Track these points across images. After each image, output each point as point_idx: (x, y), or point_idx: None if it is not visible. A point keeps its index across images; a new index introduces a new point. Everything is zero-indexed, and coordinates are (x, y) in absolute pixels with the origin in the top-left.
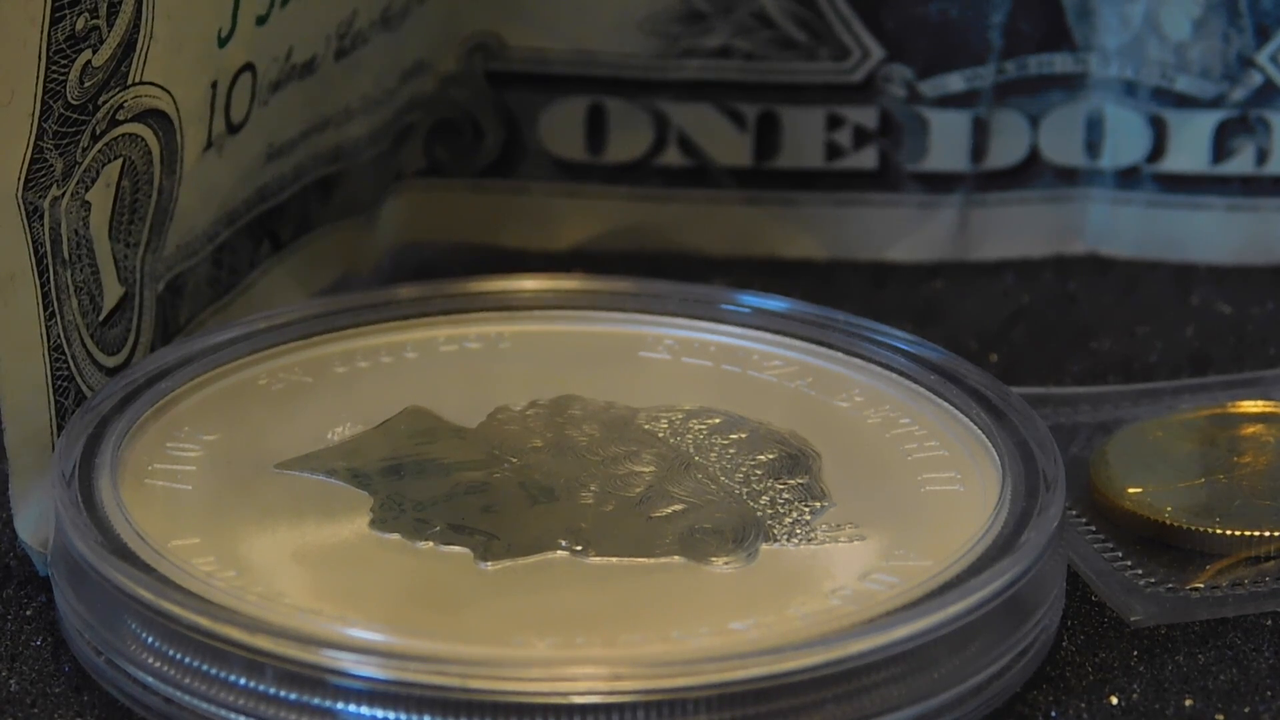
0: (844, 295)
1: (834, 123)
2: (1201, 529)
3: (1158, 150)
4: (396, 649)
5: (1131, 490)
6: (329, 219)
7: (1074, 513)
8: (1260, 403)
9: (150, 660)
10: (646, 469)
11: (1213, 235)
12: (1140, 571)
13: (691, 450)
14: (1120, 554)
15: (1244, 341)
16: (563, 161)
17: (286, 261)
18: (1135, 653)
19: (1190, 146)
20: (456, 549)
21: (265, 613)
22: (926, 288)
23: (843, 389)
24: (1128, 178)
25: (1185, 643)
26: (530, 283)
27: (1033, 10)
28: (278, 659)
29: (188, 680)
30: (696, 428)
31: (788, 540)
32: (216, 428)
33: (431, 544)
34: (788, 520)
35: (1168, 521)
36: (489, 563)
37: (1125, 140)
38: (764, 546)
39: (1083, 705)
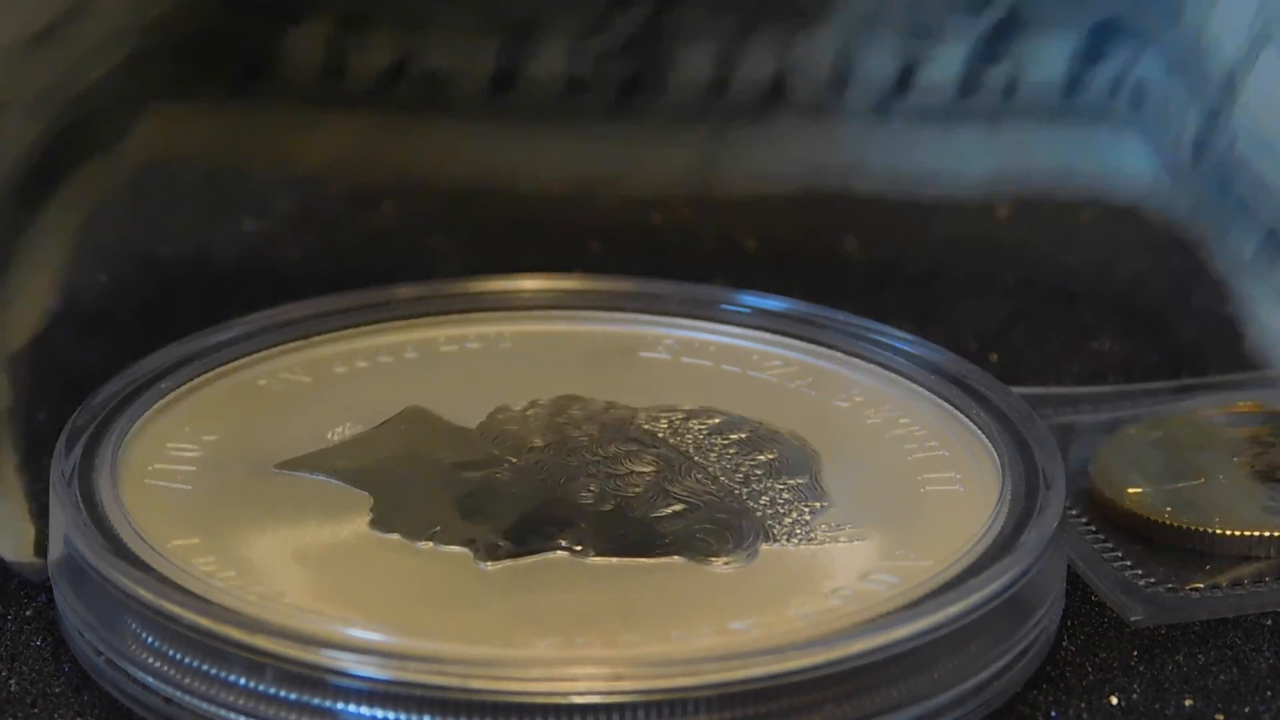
0: (843, 295)
1: (575, 57)
2: (1201, 529)
3: (906, 81)
4: (396, 649)
5: (1131, 490)
6: (76, 160)
7: (1074, 513)
8: (1260, 403)
9: (150, 660)
10: (646, 469)
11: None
12: (1140, 571)
13: (691, 450)
14: (1120, 554)
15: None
16: (304, 87)
17: (45, 215)
18: (1135, 653)
19: (940, 77)
20: (456, 549)
21: (265, 613)
22: (927, 288)
23: (843, 389)
24: (879, 109)
25: (1185, 643)
26: (530, 283)
27: None
28: (278, 659)
29: (188, 680)
30: (696, 428)
31: (788, 540)
32: (216, 428)
33: (431, 544)
34: (788, 520)
35: (1168, 521)
36: (489, 563)
37: (875, 72)
38: (764, 546)
39: (1083, 705)
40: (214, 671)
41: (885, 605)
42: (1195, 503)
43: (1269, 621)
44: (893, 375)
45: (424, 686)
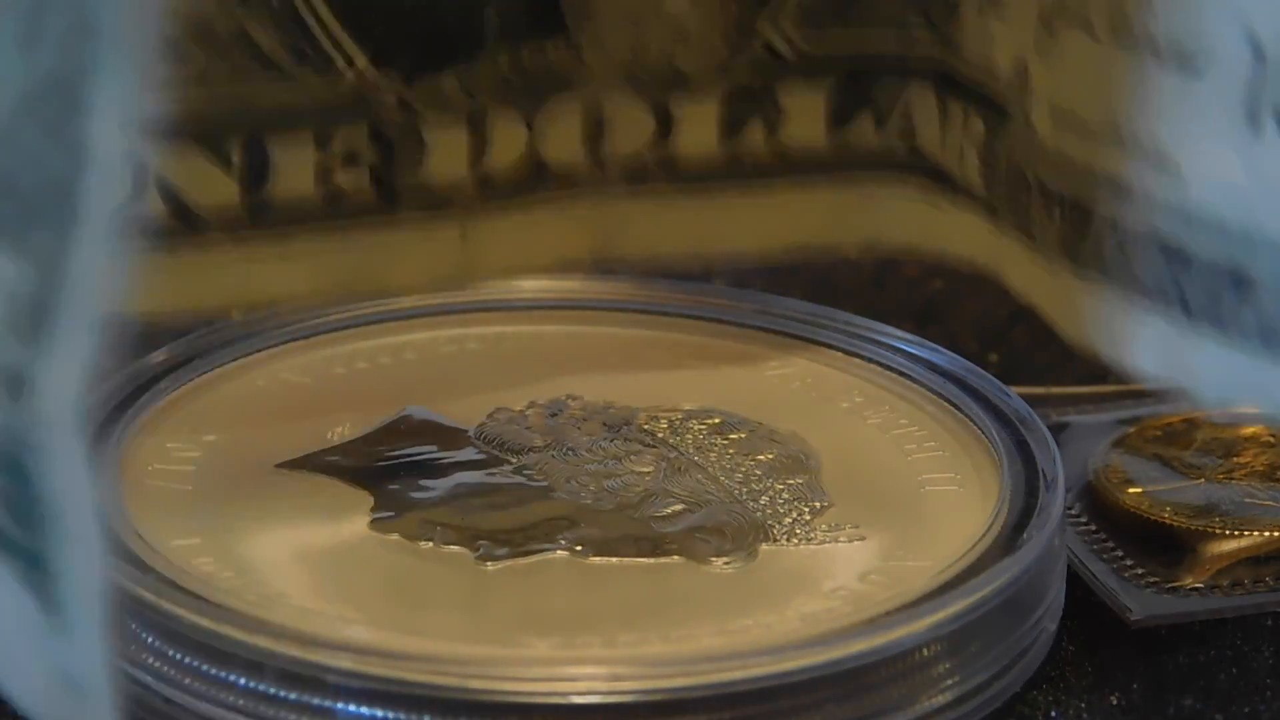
0: (843, 295)
1: (322, 143)
2: (1201, 529)
3: (664, 138)
4: (396, 649)
5: (1131, 490)
6: None
7: (1074, 513)
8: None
9: (150, 660)
10: (646, 469)
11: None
12: (1140, 571)
13: (691, 450)
14: (1120, 554)
15: None
16: None
17: None
18: (1135, 653)
19: (699, 130)
20: (456, 549)
21: (265, 613)
22: (927, 287)
23: (843, 389)
24: (635, 173)
25: (1185, 643)
26: (530, 283)
27: None
28: (278, 659)
29: (188, 680)
30: (696, 428)
31: (787, 540)
32: (216, 428)
33: (431, 544)
34: (787, 520)
35: (1168, 521)
36: (489, 563)
37: (628, 131)
38: (764, 546)
39: (1083, 705)
40: (214, 671)
41: (885, 605)
42: (1195, 503)
43: (1269, 621)
44: (893, 375)
45: (424, 686)
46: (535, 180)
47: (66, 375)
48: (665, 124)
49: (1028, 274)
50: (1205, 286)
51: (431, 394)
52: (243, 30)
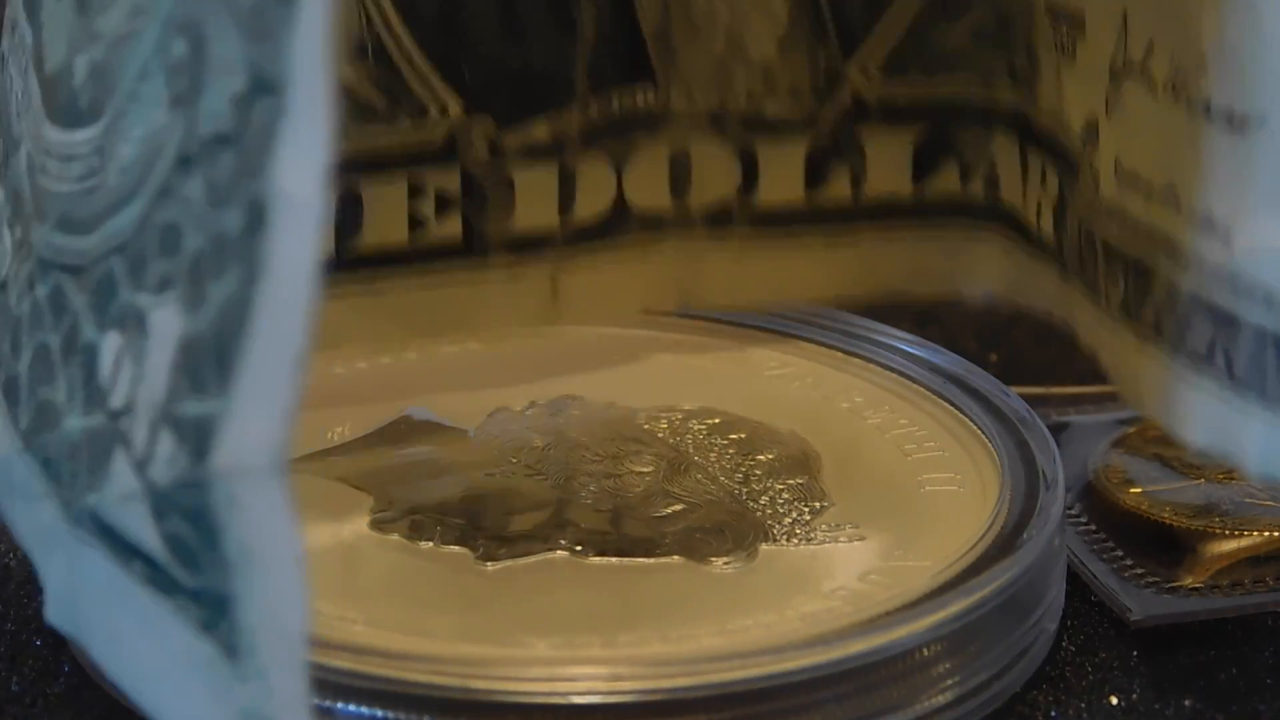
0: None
1: (415, 191)
2: (1201, 529)
3: (749, 184)
4: (396, 649)
5: (1132, 490)
6: None
7: (1074, 513)
8: None
9: None
10: (646, 469)
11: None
12: (1140, 571)
13: (691, 450)
14: (1120, 554)
15: None
16: None
17: None
18: (1135, 653)
19: (783, 176)
20: (456, 549)
21: None
22: None
23: (843, 389)
24: (718, 217)
25: (1185, 643)
26: None
27: (614, 44)
28: None
29: None
30: (696, 428)
31: (787, 540)
32: None
33: (431, 544)
34: (787, 520)
35: (1168, 521)
36: (489, 563)
37: (713, 176)
38: (764, 546)
39: (1083, 705)
40: None
41: (885, 605)
42: (1195, 503)
43: (1269, 621)
44: (893, 375)
45: (424, 686)
46: (621, 225)
47: (258, 424)
48: (750, 169)
49: (1094, 333)
50: (1252, 355)
51: (431, 394)
52: (337, 74)
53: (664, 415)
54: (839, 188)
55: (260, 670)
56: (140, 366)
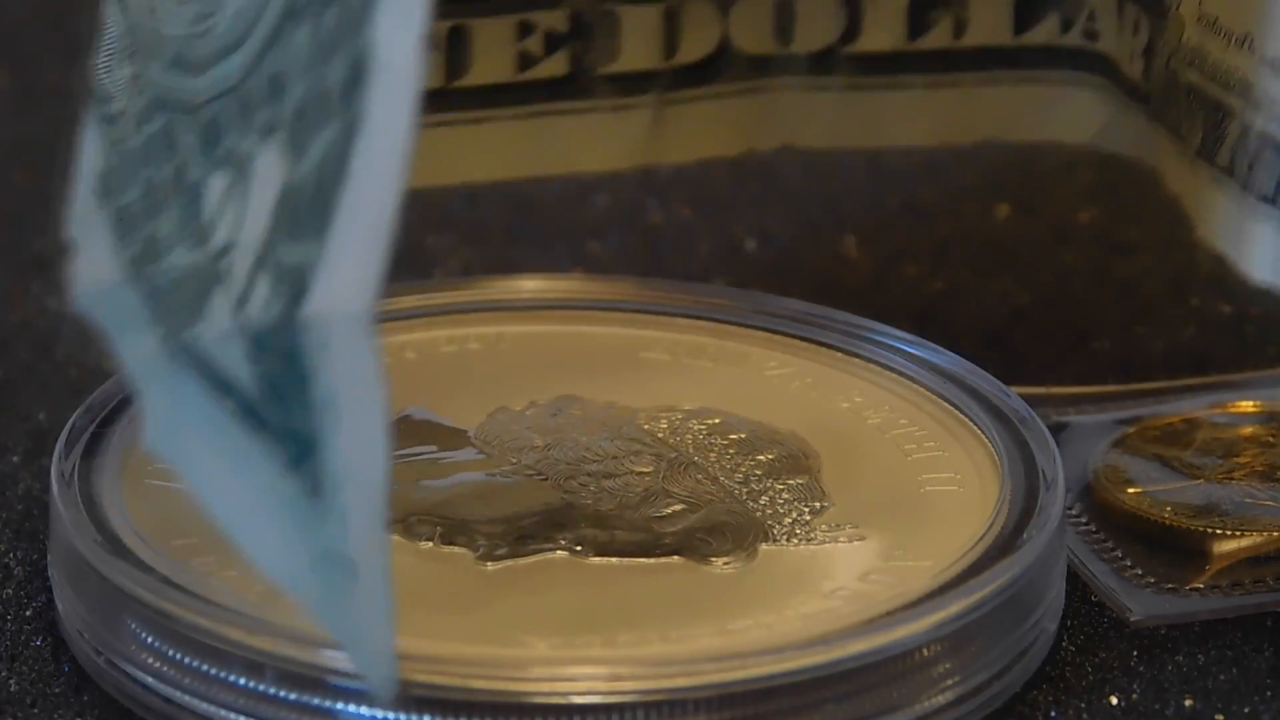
0: (843, 295)
1: (524, 30)
2: (1201, 529)
3: (852, 30)
4: (397, 649)
5: (1131, 490)
6: None
7: (1074, 513)
8: (1260, 403)
9: (150, 660)
10: (646, 469)
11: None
12: (1140, 571)
13: (691, 450)
14: (1120, 554)
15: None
16: None
17: None
18: (1135, 653)
19: (886, 23)
20: (456, 549)
21: (265, 613)
22: (927, 287)
23: (843, 389)
24: (821, 62)
25: (1185, 643)
26: (530, 283)
27: None
28: (278, 659)
29: (188, 680)
30: (696, 428)
31: (787, 540)
32: None
33: (431, 544)
34: (787, 520)
35: (1168, 521)
36: (489, 563)
37: (817, 22)
38: (763, 546)
39: (1083, 705)
40: (214, 671)
41: (885, 605)
42: (1195, 503)
43: (1269, 622)
44: (893, 375)
45: (424, 686)
46: (725, 67)
47: (350, 273)
48: (855, 17)
49: (1177, 176)
50: None
51: (431, 394)
52: None
53: (664, 415)
54: (941, 38)
55: (341, 513)
56: (242, 209)
